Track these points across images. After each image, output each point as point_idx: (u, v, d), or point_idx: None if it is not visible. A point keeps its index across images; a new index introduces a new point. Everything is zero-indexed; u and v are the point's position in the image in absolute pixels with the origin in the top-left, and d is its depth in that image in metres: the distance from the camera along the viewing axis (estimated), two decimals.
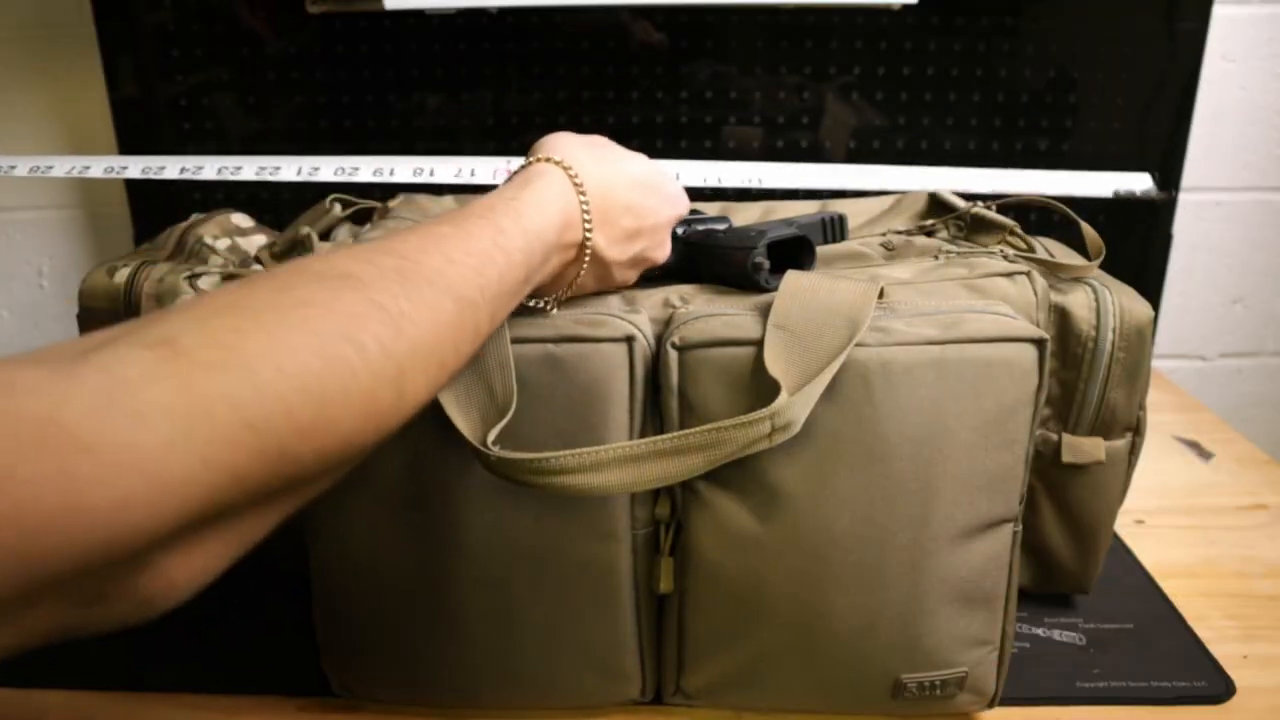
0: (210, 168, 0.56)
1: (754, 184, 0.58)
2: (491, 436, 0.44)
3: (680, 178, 0.62)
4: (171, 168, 0.56)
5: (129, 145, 1.02)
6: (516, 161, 0.58)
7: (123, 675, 0.60)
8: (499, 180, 0.56)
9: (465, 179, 0.57)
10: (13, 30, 1.02)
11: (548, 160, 0.48)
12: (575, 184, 0.47)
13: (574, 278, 0.49)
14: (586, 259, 0.48)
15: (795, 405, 0.44)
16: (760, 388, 0.46)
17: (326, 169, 0.57)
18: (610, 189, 0.49)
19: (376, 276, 0.35)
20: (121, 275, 0.60)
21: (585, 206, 0.47)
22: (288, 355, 0.30)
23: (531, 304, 0.50)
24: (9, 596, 0.24)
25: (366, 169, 0.57)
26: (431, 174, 0.56)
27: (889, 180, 0.60)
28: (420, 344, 0.35)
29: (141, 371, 0.27)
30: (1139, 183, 0.61)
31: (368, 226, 0.71)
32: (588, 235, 0.48)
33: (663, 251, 0.54)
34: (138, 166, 0.56)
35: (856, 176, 0.60)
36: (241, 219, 0.70)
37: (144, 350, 0.28)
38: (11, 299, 1.12)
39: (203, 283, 0.60)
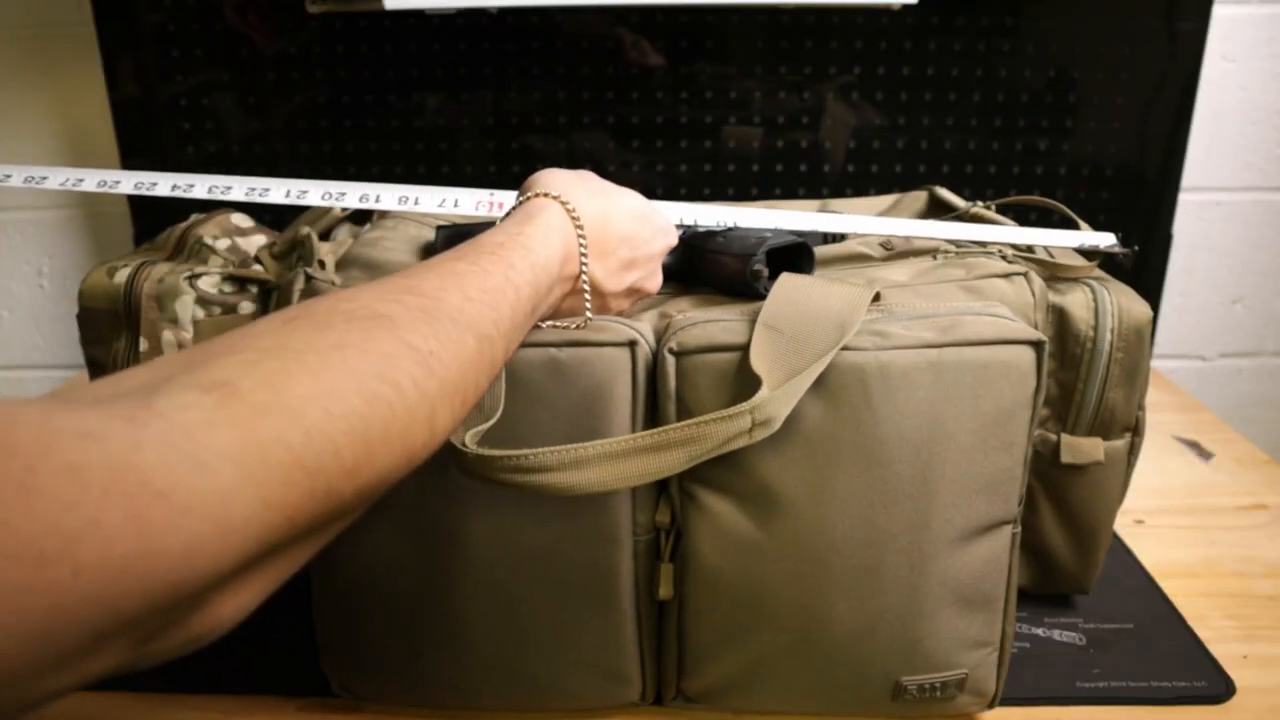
0: (201, 186, 0.59)
1: (729, 224, 0.60)
2: (470, 437, 0.44)
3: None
4: (163, 184, 0.59)
5: (129, 145, 1.03)
6: (500, 194, 0.59)
7: (123, 675, 0.60)
8: (481, 210, 0.59)
9: (449, 209, 0.60)
10: (13, 30, 1.02)
11: (545, 195, 0.50)
12: (572, 218, 0.49)
13: (576, 309, 0.50)
14: (586, 291, 0.50)
15: (775, 401, 0.44)
16: (753, 390, 0.46)
17: (315, 192, 0.60)
18: (605, 222, 0.51)
19: (405, 316, 0.36)
20: (121, 275, 0.60)
21: (582, 239, 0.49)
22: (333, 398, 0.31)
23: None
24: (84, 641, 0.24)
25: (353, 194, 0.60)
26: (416, 202, 0.59)
27: (858, 225, 0.63)
28: (448, 381, 0.37)
29: (202, 417, 0.28)
30: (1103, 239, 0.63)
31: (367, 226, 0.71)
32: (584, 267, 0.49)
33: (655, 281, 0.55)
34: (130, 181, 0.58)
35: (827, 221, 0.63)
36: (241, 219, 0.70)
37: (201, 394, 0.28)
38: (11, 299, 1.12)
39: (203, 283, 0.60)
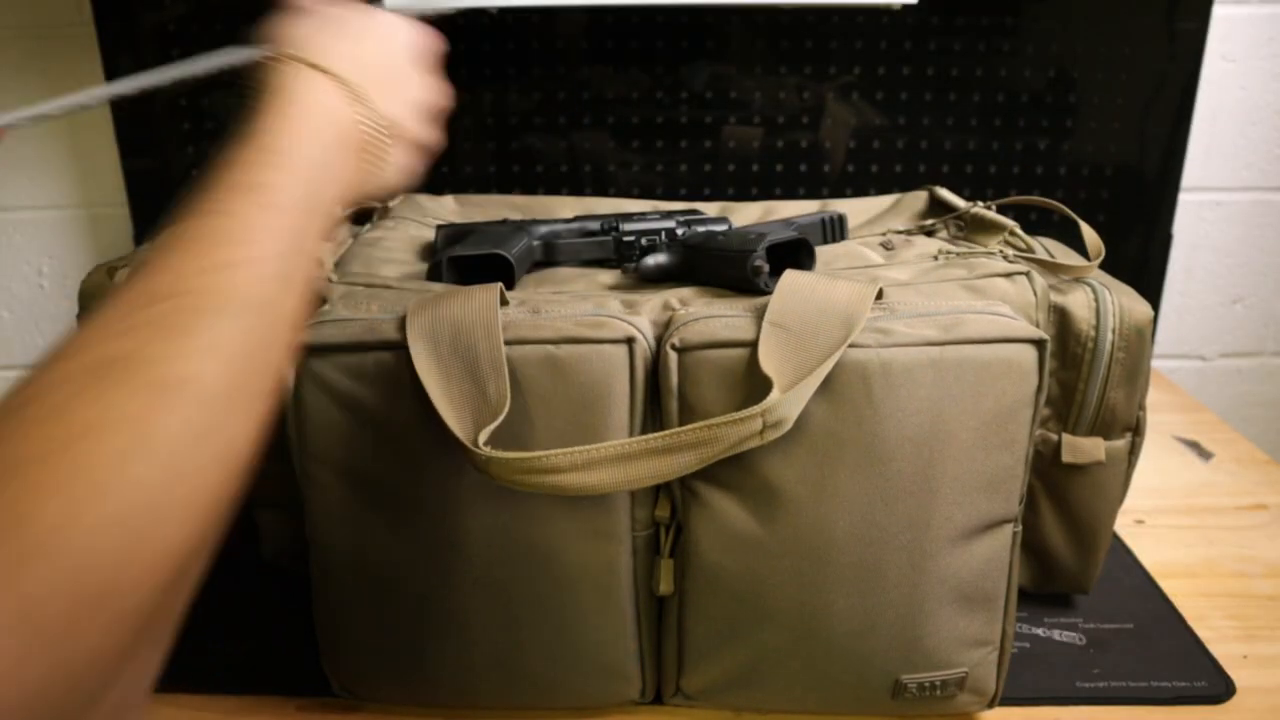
0: None
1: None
2: (483, 437, 0.44)
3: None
4: None
5: (129, 145, 1.02)
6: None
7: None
8: None
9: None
10: (13, 30, 1.02)
11: (289, 59, 0.44)
12: (327, 74, 0.44)
13: (375, 165, 0.46)
14: (386, 138, 0.46)
15: (787, 403, 0.44)
16: (758, 388, 0.46)
17: None
18: (360, 62, 0.46)
19: (139, 346, 0.30)
20: (122, 275, 0.60)
21: (352, 102, 0.44)
22: (87, 510, 0.27)
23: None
24: None
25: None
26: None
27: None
28: (219, 393, 0.31)
29: None
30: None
31: (368, 226, 0.71)
32: (368, 114, 0.45)
33: (426, 88, 0.51)
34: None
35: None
36: None
37: None
38: (11, 299, 1.12)
39: None
